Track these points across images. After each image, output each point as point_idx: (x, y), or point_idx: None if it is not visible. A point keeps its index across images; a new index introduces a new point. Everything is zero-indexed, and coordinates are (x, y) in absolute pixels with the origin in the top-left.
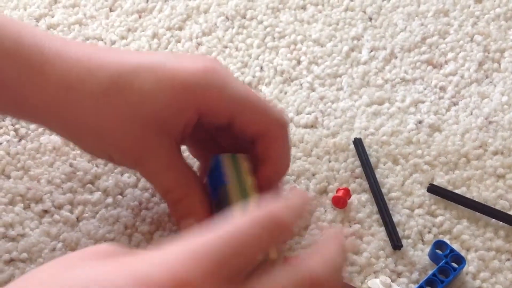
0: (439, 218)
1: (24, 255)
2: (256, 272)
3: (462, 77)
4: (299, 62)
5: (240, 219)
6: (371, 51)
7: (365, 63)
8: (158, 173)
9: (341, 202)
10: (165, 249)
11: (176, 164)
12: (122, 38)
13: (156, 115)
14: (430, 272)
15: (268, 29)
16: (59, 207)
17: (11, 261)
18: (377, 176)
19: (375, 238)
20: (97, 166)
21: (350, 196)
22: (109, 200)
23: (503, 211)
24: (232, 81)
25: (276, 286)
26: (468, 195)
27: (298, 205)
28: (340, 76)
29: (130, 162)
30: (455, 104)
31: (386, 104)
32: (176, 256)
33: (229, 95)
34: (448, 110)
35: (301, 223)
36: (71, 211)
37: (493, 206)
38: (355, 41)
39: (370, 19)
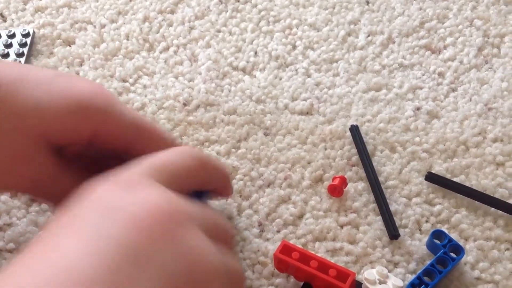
0: (437, 207)
1: (11, 245)
2: None
3: (461, 62)
4: (294, 47)
5: (168, 152)
6: (368, 35)
7: (362, 48)
8: (54, 183)
9: (337, 190)
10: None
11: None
12: (112, 21)
13: (41, 125)
14: (428, 262)
15: (263, 13)
16: None
17: None
18: (374, 164)
19: (372, 227)
20: None
21: (346, 184)
22: None
23: (503, 199)
24: (125, 107)
25: None
26: (467, 184)
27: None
28: (337, 61)
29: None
30: (454, 90)
31: (384, 90)
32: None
33: (127, 119)
34: (446, 96)
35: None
36: None
37: (492, 195)
38: (352, 26)
39: (368, 2)
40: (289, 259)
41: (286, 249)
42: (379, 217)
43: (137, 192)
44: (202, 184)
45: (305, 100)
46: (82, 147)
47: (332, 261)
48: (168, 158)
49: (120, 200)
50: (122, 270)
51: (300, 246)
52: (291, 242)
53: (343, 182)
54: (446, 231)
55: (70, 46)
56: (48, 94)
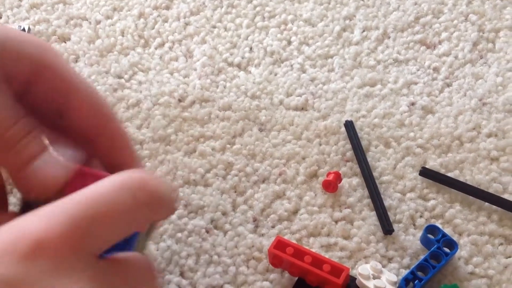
0: (431, 202)
1: None
2: None
3: (456, 57)
4: (289, 43)
5: (103, 183)
6: (363, 31)
7: (357, 43)
8: None
9: (331, 186)
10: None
11: (13, 104)
12: (108, 17)
13: None
14: (421, 257)
15: (258, 9)
16: None
17: None
18: (369, 159)
19: (366, 222)
20: None
21: (340, 180)
22: None
23: (497, 194)
24: (68, 64)
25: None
26: (461, 178)
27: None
28: (332, 57)
29: None
30: (448, 85)
31: (378, 86)
32: (27, 218)
33: (71, 71)
34: (441, 91)
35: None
36: None
37: (486, 190)
38: (347, 21)
39: None
40: (283, 255)
41: (280, 244)
42: (373, 213)
43: None
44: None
45: (300, 95)
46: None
47: (327, 256)
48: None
49: None
50: None
51: (294, 242)
52: (286, 237)
53: (338, 177)
54: (440, 226)
55: (65, 43)
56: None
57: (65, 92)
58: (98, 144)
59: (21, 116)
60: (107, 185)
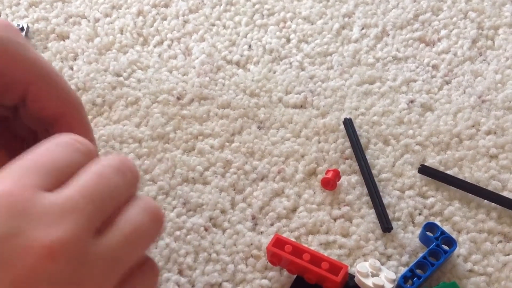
0: (430, 200)
1: None
2: None
3: (455, 55)
4: (288, 40)
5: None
6: (363, 28)
7: (356, 41)
8: None
9: (330, 184)
10: None
11: None
12: (106, 15)
13: None
14: (420, 255)
15: (257, 6)
16: None
17: None
18: (368, 157)
19: (365, 220)
20: None
21: (339, 177)
22: None
23: (496, 192)
24: (31, 47)
25: None
26: (460, 176)
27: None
28: (331, 54)
29: None
30: (447, 82)
31: (377, 83)
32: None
33: (30, 55)
34: (440, 89)
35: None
36: None
37: (485, 187)
38: (346, 18)
39: None
40: (281, 252)
41: (278, 242)
42: (372, 210)
43: None
44: None
45: (299, 93)
46: None
47: (325, 254)
48: (44, 152)
49: None
50: None
51: (293, 240)
52: (284, 235)
53: (337, 175)
54: (439, 224)
55: (64, 41)
56: None
57: (25, 82)
58: (57, 130)
59: None
60: (51, 146)
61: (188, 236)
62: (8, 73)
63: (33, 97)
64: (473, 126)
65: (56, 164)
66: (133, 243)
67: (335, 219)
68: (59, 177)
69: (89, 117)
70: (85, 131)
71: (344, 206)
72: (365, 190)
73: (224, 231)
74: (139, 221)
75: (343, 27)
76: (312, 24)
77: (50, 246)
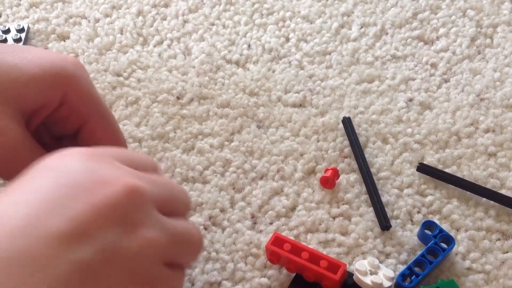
0: (429, 198)
1: None
2: None
3: (453, 53)
4: (287, 40)
5: None
6: (361, 27)
7: (355, 39)
8: (21, 156)
9: (329, 182)
10: None
11: (35, 148)
12: (106, 15)
13: (12, 89)
14: (419, 253)
15: (256, 6)
16: None
17: None
18: (366, 155)
19: (364, 218)
20: None
21: (338, 176)
22: None
23: (494, 190)
24: (93, 86)
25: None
26: (458, 174)
27: None
28: (330, 53)
29: None
30: (446, 81)
31: (376, 82)
32: None
33: (94, 94)
34: (439, 87)
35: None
36: None
37: (484, 185)
38: (345, 17)
39: None
40: (280, 251)
41: (277, 241)
42: (371, 209)
43: (98, 165)
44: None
45: (298, 92)
46: (44, 119)
47: (324, 252)
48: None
49: (76, 167)
50: (40, 217)
51: (292, 238)
52: (284, 234)
53: (335, 174)
54: (438, 222)
55: (64, 41)
56: (22, 59)
57: (85, 116)
58: None
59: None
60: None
61: None
62: (73, 105)
63: (89, 130)
64: (471, 124)
65: (134, 158)
66: (185, 241)
67: (334, 218)
68: (134, 166)
69: None
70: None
71: (343, 204)
72: (364, 189)
73: (223, 229)
74: (191, 231)
75: (342, 26)
76: (311, 23)
77: (125, 186)
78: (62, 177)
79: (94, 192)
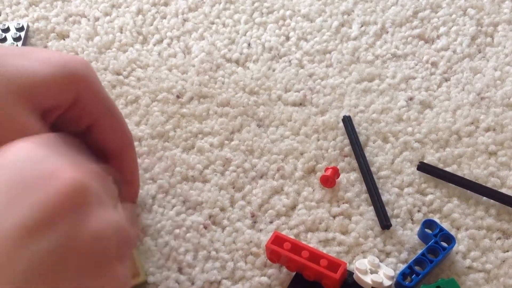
0: (429, 197)
1: None
2: None
3: (454, 52)
4: (287, 38)
5: None
6: (362, 26)
7: (355, 38)
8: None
9: (329, 181)
10: None
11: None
12: (106, 14)
13: (27, 88)
14: (419, 252)
15: (256, 4)
16: None
17: None
18: (367, 154)
19: (364, 217)
20: None
21: (338, 175)
22: None
23: (495, 188)
24: (102, 85)
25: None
26: (459, 173)
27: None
28: (330, 52)
29: None
30: (446, 80)
31: (377, 81)
32: None
33: (103, 94)
34: (439, 86)
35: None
36: None
37: (484, 184)
38: (346, 16)
39: None
40: (281, 250)
41: (278, 240)
42: (371, 207)
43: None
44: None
45: (298, 91)
46: (56, 119)
47: (324, 251)
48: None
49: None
50: None
51: (292, 237)
52: (284, 233)
53: (336, 172)
54: (438, 221)
55: (64, 40)
56: (34, 60)
57: (96, 115)
58: (108, 161)
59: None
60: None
61: (188, 234)
62: (85, 105)
63: (99, 128)
64: (472, 123)
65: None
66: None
67: (334, 217)
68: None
69: None
70: (134, 169)
71: (343, 203)
72: (364, 188)
73: (223, 229)
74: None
75: (342, 25)
76: (311, 22)
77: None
78: (6, 174)
79: (39, 188)
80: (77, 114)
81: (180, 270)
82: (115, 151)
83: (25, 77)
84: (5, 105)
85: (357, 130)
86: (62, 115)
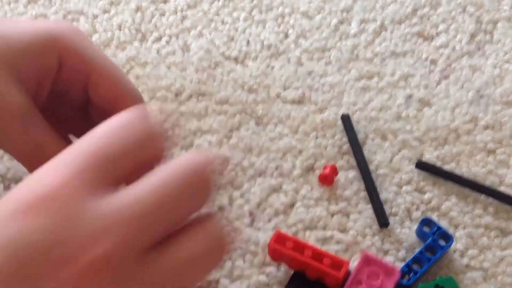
0: (428, 195)
1: None
2: None
3: (453, 49)
4: (286, 36)
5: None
6: (361, 23)
7: (354, 36)
8: (27, 125)
9: (328, 179)
10: None
11: (40, 117)
12: (105, 11)
13: (9, 56)
14: (417, 250)
15: (255, 2)
16: None
17: None
18: (365, 152)
19: (362, 215)
20: None
21: (337, 173)
22: None
23: (493, 187)
24: (92, 43)
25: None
26: (457, 171)
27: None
28: (329, 49)
29: None
30: (445, 77)
31: (375, 79)
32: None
33: (91, 51)
34: (438, 83)
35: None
36: None
37: (482, 182)
38: (345, 14)
39: None
40: (283, 249)
41: (280, 238)
42: (370, 206)
43: None
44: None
45: (297, 89)
46: (52, 89)
47: (323, 249)
48: (104, 141)
49: None
50: None
51: (291, 235)
52: (282, 231)
53: (334, 171)
54: (436, 219)
55: None
56: (15, 28)
57: (86, 72)
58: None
59: (54, 134)
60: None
61: None
62: (72, 65)
63: (93, 84)
64: (471, 121)
65: (113, 155)
66: (185, 274)
67: (332, 215)
68: (116, 172)
69: None
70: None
71: (342, 201)
72: (363, 186)
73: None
74: (198, 251)
75: (341, 22)
76: (310, 19)
77: (91, 262)
78: (6, 260)
79: (49, 280)
80: (67, 77)
81: None
82: (119, 102)
83: (6, 45)
84: None
85: (355, 128)
86: (55, 82)
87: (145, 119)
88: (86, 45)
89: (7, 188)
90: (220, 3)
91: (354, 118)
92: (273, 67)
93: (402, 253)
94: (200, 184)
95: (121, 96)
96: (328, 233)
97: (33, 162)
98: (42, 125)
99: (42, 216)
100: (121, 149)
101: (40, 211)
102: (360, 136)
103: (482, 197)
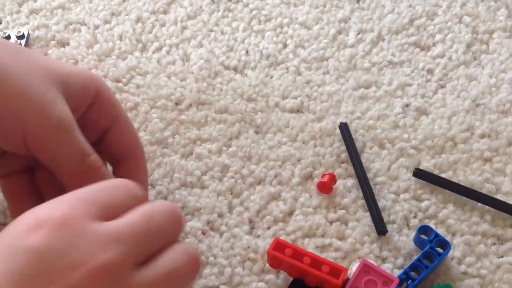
0: (425, 203)
1: None
2: None
3: (450, 59)
4: (285, 46)
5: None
6: (358, 33)
7: (352, 46)
8: (74, 133)
9: (326, 187)
10: None
11: (79, 130)
12: (106, 22)
13: (62, 79)
14: (415, 258)
15: (254, 12)
16: None
17: None
18: (363, 160)
19: (360, 223)
20: None
21: (335, 181)
22: None
23: (490, 195)
24: (113, 93)
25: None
26: (454, 179)
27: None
28: (327, 59)
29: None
30: (442, 86)
31: (373, 88)
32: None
33: (117, 101)
34: (435, 93)
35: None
36: None
37: (479, 190)
38: (342, 24)
39: (358, 1)
40: (282, 256)
41: (279, 245)
42: (368, 213)
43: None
44: None
45: (295, 98)
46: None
47: (321, 257)
48: (98, 190)
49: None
50: None
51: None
52: (281, 238)
53: (332, 179)
54: (433, 227)
55: (64, 47)
56: (57, 62)
57: (113, 118)
58: (119, 166)
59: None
60: (103, 184)
61: (186, 240)
62: (102, 107)
63: (115, 132)
64: (467, 129)
65: (108, 201)
66: (171, 281)
67: (331, 222)
68: (108, 213)
69: None
70: (144, 174)
71: (340, 209)
72: (361, 194)
73: (221, 234)
74: (179, 263)
75: (339, 32)
76: (308, 29)
77: (96, 267)
78: (29, 261)
79: (65, 278)
80: (95, 117)
81: None
82: (130, 154)
83: (59, 68)
84: (44, 85)
85: (353, 136)
86: (82, 116)
87: (136, 188)
88: (114, 95)
89: None
90: (220, 13)
91: (352, 127)
92: (272, 77)
93: (400, 261)
94: (175, 218)
95: (131, 152)
96: (327, 240)
97: (75, 169)
98: (83, 136)
99: (57, 229)
100: (118, 199)
101: (55, 226)
102: (358, 145)
103: (479, 205)
